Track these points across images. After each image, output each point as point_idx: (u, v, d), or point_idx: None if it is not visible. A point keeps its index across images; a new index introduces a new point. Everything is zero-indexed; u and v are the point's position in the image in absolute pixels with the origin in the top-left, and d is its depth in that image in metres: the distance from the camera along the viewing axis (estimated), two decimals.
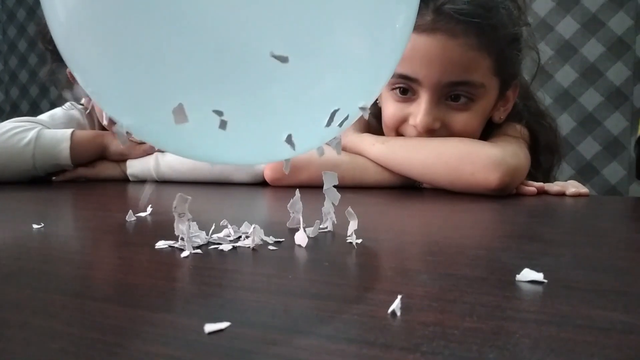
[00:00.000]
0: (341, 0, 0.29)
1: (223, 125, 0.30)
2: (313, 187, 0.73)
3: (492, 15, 0.69)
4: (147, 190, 0.78)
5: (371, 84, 0.35)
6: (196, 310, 0.23)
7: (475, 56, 0.70)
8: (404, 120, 0.75)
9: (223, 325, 0.21)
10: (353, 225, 0.38)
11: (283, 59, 0.28)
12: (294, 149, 0.32)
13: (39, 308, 0.24)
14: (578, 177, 1.51)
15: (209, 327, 0.21)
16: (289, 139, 0.32)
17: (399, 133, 0.77)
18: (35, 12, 2.47)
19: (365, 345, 0.20)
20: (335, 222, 0.42)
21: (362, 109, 0.34)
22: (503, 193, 0.65)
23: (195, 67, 0.28)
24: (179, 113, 0.29)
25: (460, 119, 0.73)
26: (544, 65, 1.56)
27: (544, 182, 0.86)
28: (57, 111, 1.07)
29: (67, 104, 1.10)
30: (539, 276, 0.28)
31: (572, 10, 1.53)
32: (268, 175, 0.76)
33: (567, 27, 1.53)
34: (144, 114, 0.32)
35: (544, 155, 0.84)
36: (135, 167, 0.91)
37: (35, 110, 2.47)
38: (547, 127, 0.85)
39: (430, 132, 0.73)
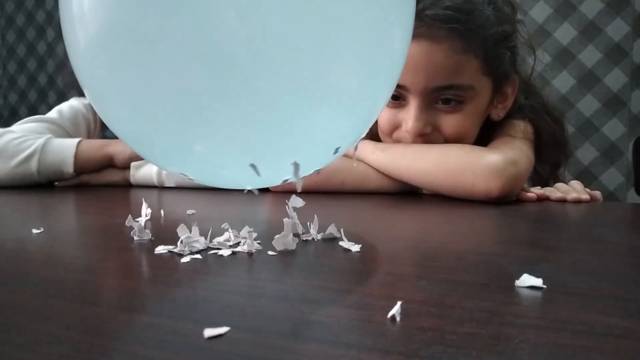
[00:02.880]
0: (338, 36, 0.30)
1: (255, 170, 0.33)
2: (314, 193, 0.74)
3: (473, 18, 0.69)
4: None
5: (366, 115, 0.37)
6: (195, 315, 0.23)
7: (461, 59, 0.70)
8: (397, 126, 0.75)
9: (222, 330, 0.21)
10: (333, 229, 0.40)
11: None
12: (259, 175, 0.34)
13: (38, 312, 0.24)
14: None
15: (209, 332, 0.21)
16: (253, 167, 0.33)
17: (394, 138, 0.77)
18: (34, 17, 2.47)
19: (364, 350, 0.20)
20: (341, 231, 0.42)
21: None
22: (504, 200, 0.65)
23: (199, 93, 0.29)
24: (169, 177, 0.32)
25: (451, 122, 0.73)
26: (543, 71, 1.56)
27: (552, 179, 0.85)
28: (64, 107, 1.08)
29: (73, 99, 1.12)
30: (538, 282, 0.28)
31: (569, 16, 1.53)
32: None
33: (565, 33, 1.54)
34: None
35: (550, 151, 0.83)
36: (138, 173, 0.90)
37: (33, 115, 2.47)
38: (552, 121, 0.84)
39: (422, 136, 0.73)
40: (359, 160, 0.76)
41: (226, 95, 0.29)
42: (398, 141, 0.77)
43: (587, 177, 1.52)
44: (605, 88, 1.51)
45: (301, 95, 0.30)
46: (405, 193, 0.76)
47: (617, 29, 1.49)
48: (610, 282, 0.29)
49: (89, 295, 0.27)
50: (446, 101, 0.73)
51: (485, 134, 0.78)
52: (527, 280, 0.28)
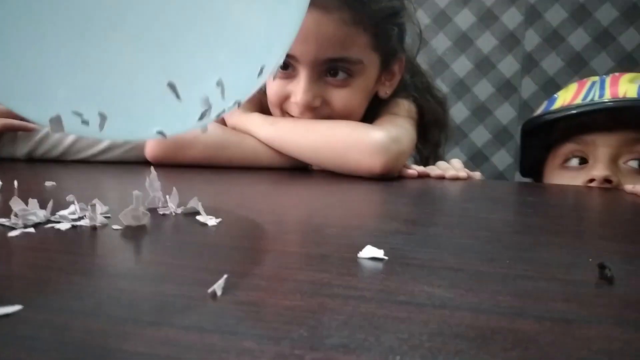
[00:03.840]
0: None
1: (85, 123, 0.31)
2: (197, 167, 0.71)
3: None
4: None
5: (265, 58, 0.35)
6: None
7: (351, 32, 0.70)
8: (286, 98, 0.74)
9: (13, 308, 0.19)
10: (194, 203, 0.37)
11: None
12: (179, 99, 0.31)
13: None
14: (470, 163, 1.59)
15: None
16: (172, 86, 0.30)
17: (283, 110, 0.76)
18: None
19: (165, 326, 0.18)
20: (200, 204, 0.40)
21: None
22: (387, 177, 0.66)
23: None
24: (56, 122, 0.29)
25: (340, 95, 0.73)
26: (442, 55, 1.62)
27: (432, 158, 0.88)
28: None
29: None
30: (379, 253, 0.28)
31: (469, 3, 1.59)
32: (150, 153, 0.72)
33: (464, 19, 1.60)
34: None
35: (432, 131, 0.86)
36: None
37: None
38: (434, 102, 0.87)
39: (311, 109, 0.73)
40: (250, 133, 0.74)
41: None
42: (287, 113, 0.75)
43: (480, 158, 1.60)
44: (499, 74, 1.59)
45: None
46: (296, 169, 0.75)
47: (511, 17, 1.56)
48: (451, 254, 0.30)
49: None
50: (335, 74, 0.72)
51: (372, 112, 0.79)
52: (369, 251, 0.28)
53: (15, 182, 0.47)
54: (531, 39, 1.55)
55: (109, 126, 0.31)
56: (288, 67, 0.72)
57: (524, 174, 1.00)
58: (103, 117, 0.31)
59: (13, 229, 0.31)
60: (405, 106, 0.80)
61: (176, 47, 0.30)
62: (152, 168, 0.39)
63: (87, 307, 0.20)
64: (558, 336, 0.19)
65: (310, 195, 0.54)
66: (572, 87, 0.88)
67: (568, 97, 0.84)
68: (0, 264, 0.25)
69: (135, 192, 0.34)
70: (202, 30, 0.30)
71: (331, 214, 0.42)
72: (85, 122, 0.31)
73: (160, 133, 0.34)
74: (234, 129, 0.76)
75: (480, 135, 1.59)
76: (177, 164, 0.70)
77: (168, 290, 0.22)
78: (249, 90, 0.36)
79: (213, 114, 0.34)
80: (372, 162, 0.64)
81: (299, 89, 0.71)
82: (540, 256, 0.31)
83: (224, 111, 0.35)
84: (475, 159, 1.60)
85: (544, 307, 0.21)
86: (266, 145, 0.74)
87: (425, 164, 0.82)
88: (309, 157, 0.72)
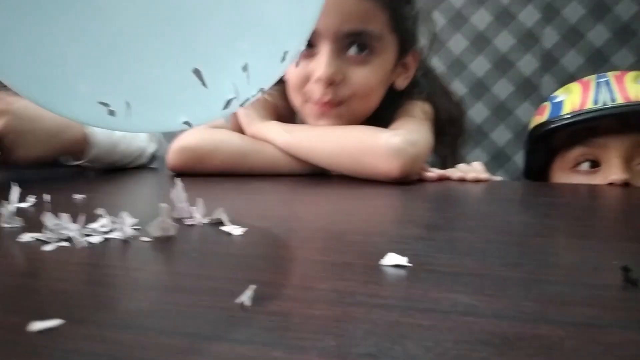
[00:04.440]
0: None
1: (112, 113, 0.31)
2: (219, 175, 0.72)
3: None
4: None
5: (287, 43, 0.35)
6: (29, 306, 0.22)
7: (372, 7, 0.72)
8: (307, 80, 0.75)
9: (53, 323, 0.20)
10: (219, 213, 0.38)
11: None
12: (205, 86, 0.32)
13: None
14: (492, 163, 1.58)
15: (36, 325, 0.19)
16: (197, 73, 0.31)
17: (304, 92, 0.76)
18: None
19: (199, 339, 0.19)
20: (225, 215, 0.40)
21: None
22: (405, 180, 0.66)
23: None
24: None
25: (360, 73, 0.74)
26: (460, 55, 1.61)
27: (450, 159, 0.88)
28: None
29: None
30: (403, 260, 0.28)
31: (485, 2, 1.58)
32: (172, 163, 0.73)
33: (481, 19, 1.59)
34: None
35: (448, 130, 0.86)
36: None
37: None
38: (449, 100, 0.87)
39: (332, 86, 0.73)
40: (268, 142, 0.75)
41: None
42: (307, 97, 0.76)
43: (502, 158, 1.59)
44: (518, 72, 1.57)
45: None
46: (315, 174, 0.75)
47: (528, 15, 1.55)
48: (474, 259, 0.30)
49: None
50: (357, 48, 0.74)
51: (387, 112, 0.79)
52: (392, 259, 0.28)
53: (48, 197, 0.48)
54: (550, 37, 1.53)
55: (135, 117, 0.32)
56: (310, 44, 0.73)
57: (529, 178, 0.99)
58: (128, 107, 0.31)
59: (47, 243, 0.33)
60: (420, 107, 0.80)
61: (199, 36, 0.30)
62: (177, 180, 0.40)
63: (123, 320, 0.20)
64: (582, 342, 0.19)
65: (330, 201, 0.55)
66: (576, 89, 0.87)
67: (576, 100, 0.84)
68: (39, 278, 0.26)
69: (162, 205, 0.35)
70: (225, 18, 0.31)
71: (352, 220, 0.43)
72: (111, 113, 0.31)
73: (187, 123, 0.34)
74: (253, 137, 0.77)
75: (501, 135, 1.58)
76: (198, 173, 0.72)
77: (199, 302, 0.22)
78: (273, 76, 0.37)
79: (238, 102, 0.35)
80: (389, 166, 0.65)
81: (320, 64, 0.72)
82: (562, 260, 0.31)
83: (247, 100, 0.35)
84: (497, 159, 1.59)
85: (567, 312, 0.22)
86: (285, 152, 0.75)
87: (443, 165, 0.82)
88: (326, 163, 0.72)
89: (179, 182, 0.40)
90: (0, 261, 0.30)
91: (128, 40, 0.30)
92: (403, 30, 0.78)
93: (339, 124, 0.75)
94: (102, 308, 0.22)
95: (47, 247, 0.31)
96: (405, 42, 0.80)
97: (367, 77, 0.75)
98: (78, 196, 0.51)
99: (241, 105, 0.35)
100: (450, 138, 0.86)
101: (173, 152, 0.73)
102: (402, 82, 0.82)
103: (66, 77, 0.31)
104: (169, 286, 0.25)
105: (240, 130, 0.81)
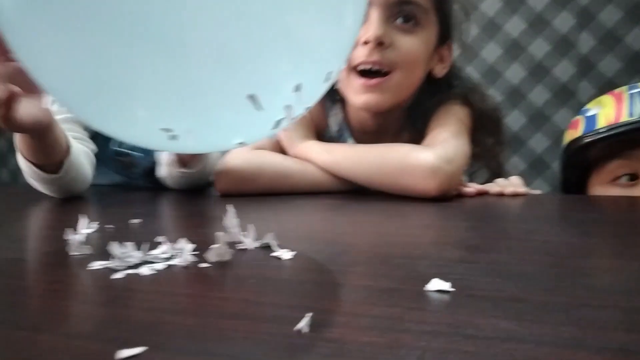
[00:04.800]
0: None
1: (174, 138, 0.34)
2: (264, 196, 0.75)
3: None
4: None
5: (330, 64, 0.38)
6: (113, 334, 0.25)
7: None
8: (355, 45, 0.77)
9: (138, 350, 0.23)
10: (269, 238, 0.41)
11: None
12: (259, 109, 0.34)
13: None
14: (530, 171, 1.57)
15: (123, 353, 0.22)
16: (253, 99, 0.33)
17: (349, 63, 0.78)
18: None
19: None
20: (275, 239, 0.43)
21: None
22: (443, 197, 0.67)
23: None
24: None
25: (406, 40, 0.77)
26: (494, 64, 1.61)
27: (493, 164, 0.89)
28: None
29: None
30: (446, 286, 0.30)
31: (518, 10, 1.58)
32: (219, 186, 0.77)
33: (515, 26, 1.58)
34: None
35: (487, 127, 0.87)
36: None
37: None
38: (481, 98, 0.89)
39: (380, 47, 0.75)
40: (309, 161, 0.78)
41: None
42: (353, 64, 0.78)
43: (540, 166, 1.58)
44: (554, 79, 1.56)
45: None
46: (358, 191, 0.78)
47: (563, 21, 1.54)
48: (515, 283, 0.31)
49: (19, 319, 0.28)
50: (404, 19, 0.77)
51: (426, 105, 0.82)
52: (436, 284, 0.30)
53: (111, 226, 0.52)
54: (586, 42, 1.52)
55: (194, 139, 0.35)
56: None
57: (566, 192, 0.98)
58: (189, 132, 0.34)
59: (116, 271, 0.36)
60: (457, 113, 0.82)
61: (253, 62, 0.33)
62: (229, 207, 0.43)
63: (198, 347, 0.23)
64: None
65: (370, 221, 0.57)
66: (609, 102, 0.87)
67: (610, 113, 0.83)
68: (115, 306, 0.29)
69: (219, 233, 0.38)
70: (276, 45, 0.33)
71: (394, 242, 0.45)
72: (173, 138, 0.34)
73: (241, 144, 0.37)
74: (295, 157, 0.80)
75: (538, 143, 1.57)
76: (244, 195, 0.75)
77: (262, 328, 0.25)
78: (317, 96, 0.39)
79: (286, 122, 0.37)
80: (426, 186, 0.67)
81: (370, 26, 0.75)
82: (601, 282, 0.32)
83: (295, 118, 0.38)
84: (535, 166, 1.58)
85: (604, 338, 0.23)
86: (325, 171, 0.77)
87: (489, 177, 0.83)
88: (364, 182, 0.75)
89: (230, 209, 0.43)
90: (78, 289, 0.34)
91: (190, 70, 0.32)
92: (443, 13, 0.81)
93: (382, 101, 0.78)
94: (179, 335, 0.24)
95: (117, 275, 0.34)
96: (445, 28, 0.83)
97: (413, 46, 0.78)
98: (134, 221, 0.54)
99: (289, 122, 0.38)
100: (489, 140, 0.87)
101: (219, 175, 0.76)
102: (440, 71, 0.85)
103: (127, 104, 0.34)
104: (233, 313, 0.27)
105: (279, 149, 0.84)
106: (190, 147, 0.35)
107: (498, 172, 0.88)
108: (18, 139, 0.68)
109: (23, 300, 0.31)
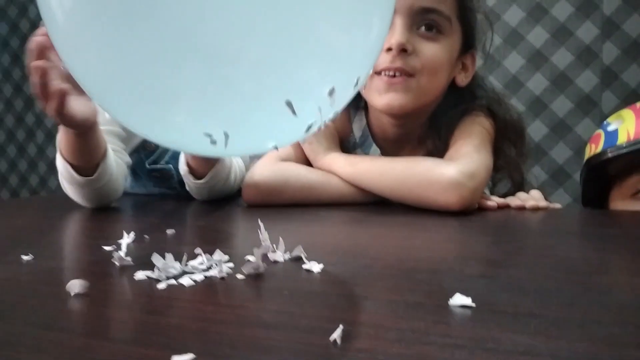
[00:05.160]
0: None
1: (214, 142, 0.36)
2: (289, 206, 0.78)
3: None
4: None
5: (359, 70, 0.40)
6: (162, 341, 0.27)
7: None
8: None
9: (188, 357, 0.25)
10: (299, 250, 0.44)
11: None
12: (295, 115, 0.36)
13: (28, 344, 0.27)
14: (552, 182, 1.57)
15: (176, 359, 0.25)
16: (289, 105, 0.36)
17: (374, 69, 0.79)
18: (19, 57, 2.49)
19: None
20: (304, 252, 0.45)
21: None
22: (465, 211, 0.69)
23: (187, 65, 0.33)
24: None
25: (429, 47, 0.79)
26: (516, 74, 1.61)
27: (516, 175, 0.89)
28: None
29: None
30: (467, 301, 0.32)
31: (541, 20, 1.58)
32: (247, 198, 0.80)
33: (538, 36, 1.59)
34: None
35: (510, 141, 0.88)
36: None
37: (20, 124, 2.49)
38: (505, 108, 0.90)
39: (402, 54, 0.77)
40: (333, 173, 0.81)
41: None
42: (375, 69, 0.79)
43: (562, 176, 1.58)
44: (577, 89, 1.56)
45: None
46: (378, 203, 0.80)
47: (587, 31, 1.54)
48: (534, 298, 0.33)
49: (75, 325, 0.31)
50: (427, 27, 0.79)
51: (450, 113, 0.84)
52: (458, 299, 0.32)
53: (147, 237, 0.55)
54: (609, 52, 1.52)
55: (231, 144, 0.37)
56: None
57: (587, 206, 0.99)
58: (227, 137, 0.37)
59: (159, 281, 0.38)
60: (480, 125, 0.83)
61: (286, 69, 0.35)
62: (260, 222, 0.45)
63: (241, 356, 0.25)
64: None
65: (393, 234, 0.59)
66: (629, 117, 0.87)
67: (631, 128, 0.84)
68: (162, 315, 0.32)
69: (255, 249, 0.41)
70: (309, 53, 0.35)
71: (417, 257, 0.47)
72: (213, 142, 0.37)
73: (275, 147, 0.39)
74: (319, 169, 0.83)
75: (561, 152, 1.57)
76: (270, 206, 0.78)
77: (298, 339, 0.27)
78: (346, 100, 0.41)
79: (316, 126, 0.39)
80: (449, 200, 0.68)
81: (393, 34, 0.77)
82: (617, 299, 0.33)
83: (324, 123, 0.40)
84: (556, 177, 1.58)
85: (617, 354, 0.25)
86: (349, 184, 0.80)
87: (511, 187, 0.84)
88: (388, 195, 0.77)
89: (262, 224, 0.46)
90: (126, 298, 0.36)
91: (231, 78, 0.34)
92: (467, 22, 0.83)
93: (404, 101, 0.79)
94: (223, 344, 0.27)
95: (160, 285, 0.37)
96: (468, 37, 0.84)
97: (436, 53, 0.80)
98: (170, 231, 0.57)
99: (319, 127, 0.40)
100: (511, 147, 0.88)
101: (247, 187, 0.79)
102: (462, 80, 0.86)
103: (171, 110, 0.37)
104: (270, 323, 0.30)
105: (304, 159, 0.86)
106: (228, 151, 0.38)
107: (520, 182, 0.89)
108: (61, 138, 0.73)
109: (75, 308, 0.34)
